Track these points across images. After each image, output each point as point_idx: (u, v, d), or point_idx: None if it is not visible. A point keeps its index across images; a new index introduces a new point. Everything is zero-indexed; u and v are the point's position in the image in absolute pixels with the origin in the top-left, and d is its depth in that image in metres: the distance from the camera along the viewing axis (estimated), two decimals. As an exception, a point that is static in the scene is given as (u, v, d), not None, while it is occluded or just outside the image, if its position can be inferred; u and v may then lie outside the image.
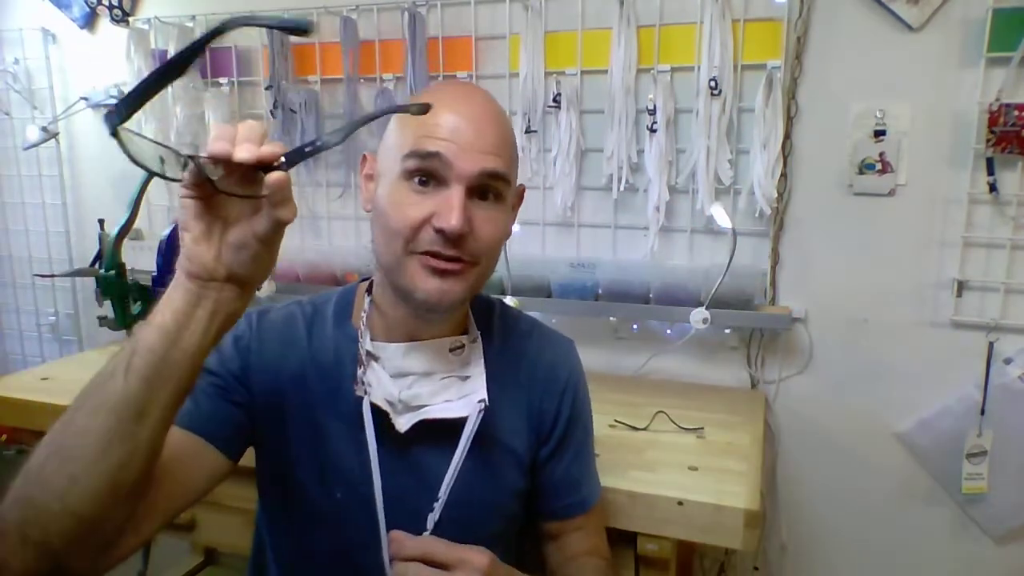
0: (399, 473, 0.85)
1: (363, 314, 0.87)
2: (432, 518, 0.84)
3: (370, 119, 0.70)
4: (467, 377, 0.88)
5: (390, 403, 0.83)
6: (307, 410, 0.86)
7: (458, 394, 0.86)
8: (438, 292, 0.78)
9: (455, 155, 0.76)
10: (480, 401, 0.85)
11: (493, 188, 0.80)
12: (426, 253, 0.78)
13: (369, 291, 0.89)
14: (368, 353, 0.84)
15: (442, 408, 0.85)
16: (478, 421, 0.84)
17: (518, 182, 0.87)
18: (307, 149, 0.61)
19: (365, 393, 0.82)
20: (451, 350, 0.87)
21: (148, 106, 1.99)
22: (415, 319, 0.85)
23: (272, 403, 0.85)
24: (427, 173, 0.77)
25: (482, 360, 0.89)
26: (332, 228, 1.91)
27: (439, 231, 0.76)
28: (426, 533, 0.83)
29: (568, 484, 0.96)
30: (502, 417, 0.90)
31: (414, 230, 0.77)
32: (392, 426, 0.83)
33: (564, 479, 0.96)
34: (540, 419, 0.94)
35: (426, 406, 0.84)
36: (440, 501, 0.84)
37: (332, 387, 0.86)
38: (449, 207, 0.76)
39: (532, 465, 0.95)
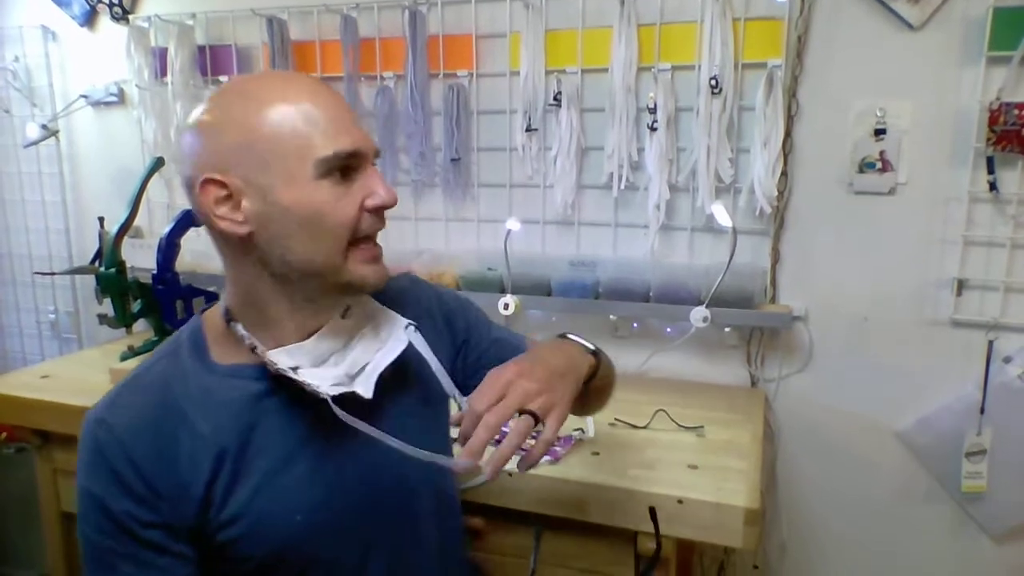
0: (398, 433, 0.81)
1: (249, 342, 0.80)
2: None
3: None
4: (377, 324, 0.87)
5: (339, 384, 0.80)
6: (269, 473, 0.80)
7: (383, 339, 0.86)
8: (377, 276, 0.81)
9: (362, 142, 0.78)
10: (408, 326, 0.86)
11: (375, 156, 0.82)
12: (363, 241, 0.79)
13: (228, 318, 0.82)
14: (291, 368, 0.79)
15: (383, 355, 0.84)
16: (422, 338, 0.86)
17: None
18: None
19: (328, 396, 0.77)
20: (342, 316, 0.85)
21: (148, 104, 2.00)
22: (315, 314, 0.82)
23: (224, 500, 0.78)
24: (345, 167, 0.77)
25: (373, 301, 0.89)
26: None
27: (376, 209, 0.79)
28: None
29: (502, 344, 1.01)
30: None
31: (355, 220, 0.78)
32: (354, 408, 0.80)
33: (497, 344, 1.00)
34: (440, 333, 0.97)
35: (367, 363, 0.84)
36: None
37: (251, 424, 0.80)
38: (378, 185, 0.79)
39: (464, 369, 0.99)
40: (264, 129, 0.75)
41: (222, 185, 0.75)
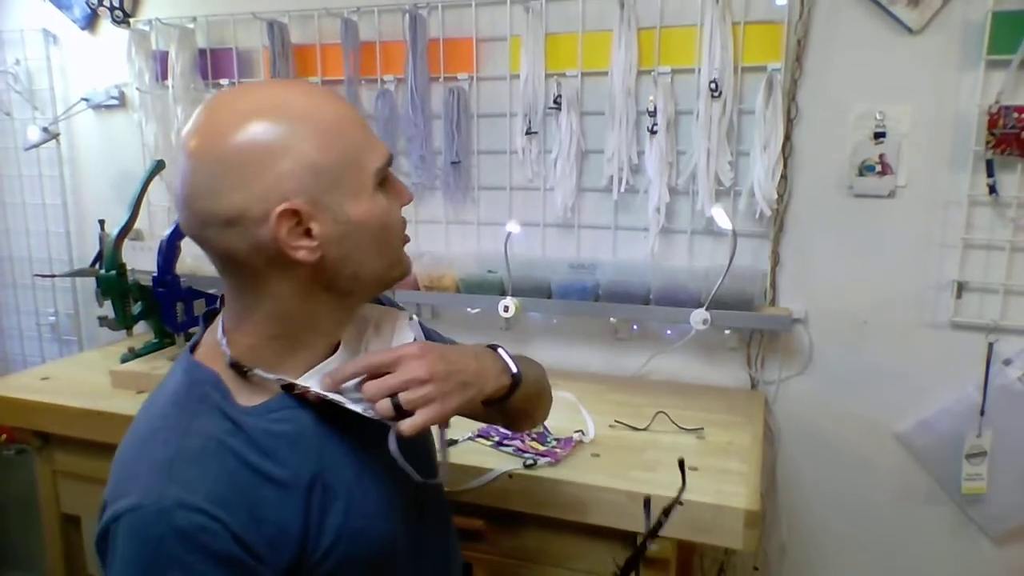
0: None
1: (279, 383, 0.75)
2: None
3: None
4: (378, 323, 0.87)
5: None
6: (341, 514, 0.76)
7: (386, 337, 0.86)
8: (410, 262, 0.84)
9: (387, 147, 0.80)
10: (412, 317, 0.88)
11: None
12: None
13: (240, 367, 0.76)
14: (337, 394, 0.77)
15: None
16: (421, 330, 0.88)
17: None
18: None
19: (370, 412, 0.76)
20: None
21: (149, 107, 2.00)
22: (345, 325, 0.82)
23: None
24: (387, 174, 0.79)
25: (366, 303, 0.88)
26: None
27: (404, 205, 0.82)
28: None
29: None
30: None
31: (403, 223, 0.82)
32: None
33: None
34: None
35: None
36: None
37: (310, 451, 0.76)
38: (403, 186, 0.81)
39: None
40: (322, 148, 0.71)
41: (293, 213, 0.69)
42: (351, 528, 0.76)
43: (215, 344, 0.77)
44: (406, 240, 0.83)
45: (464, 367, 0.80)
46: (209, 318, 0.83)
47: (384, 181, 0.77)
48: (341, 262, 0.74)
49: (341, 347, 0.81)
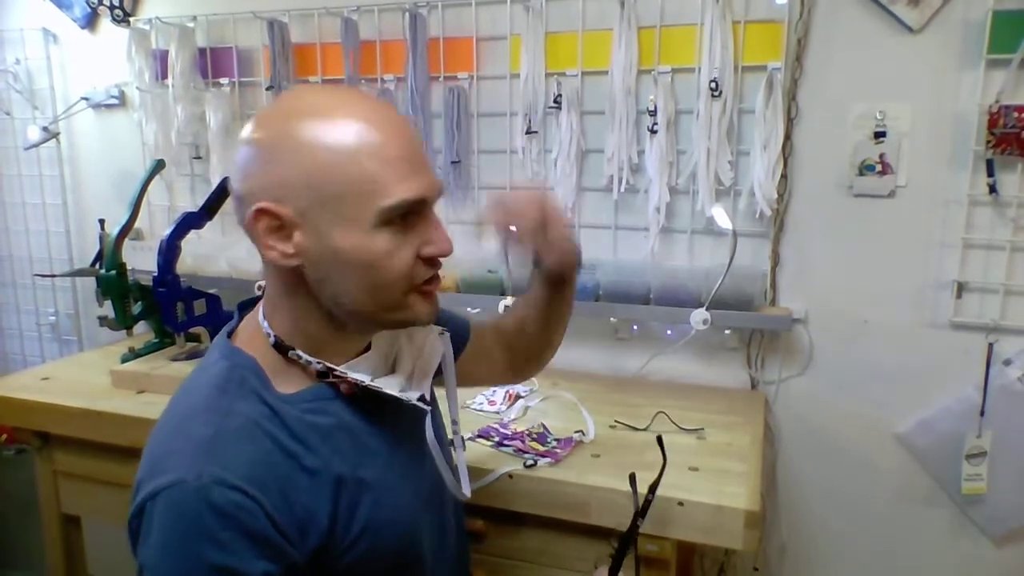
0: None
1: (318, 367, 0.77)
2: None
3: None
4: (409, 331, 0.89)
5: (404, 391, 0.83)
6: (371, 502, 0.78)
7: (419, 344, 0.89)
8: (434, 311, 0.79)
9: (429, 188, 0.74)
10: (442, 332, 0.89)
11: None
12: (422, 283, 0.77)
13: (283, 348, 0.78)
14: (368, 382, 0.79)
15: (428, 361, 0.88)
16: (450, 344, 0.91)
17: None
18: None
19: (408, 398, 0.81)
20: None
21: (149, 106, 2.01)
22: (363, 338, 0.83)
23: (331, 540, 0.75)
24: (408, 214, 0.73)
25: None
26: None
27: (432, 259, 0.75)
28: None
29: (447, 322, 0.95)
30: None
31: (410, 270, 0.74)
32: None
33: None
34: None
35: (413, 368, 0.88)
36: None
37: (344, 442, 0.78)
38: (438, 235, 0.76)
39: None
40: (328, 166, 0.70)
41: (274, 216, 0.71)
42: (379, 520, 0.78)
43: (256, 328, 0.80)
44: (423, 287, 0.77)
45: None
46: (245, 307, 0.86)
47: (404, 219, 0.73)
48: (320, 283, 0.74)
49: (372, 350, 0.83)
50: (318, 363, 0.77)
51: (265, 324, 0.78)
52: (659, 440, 1.07)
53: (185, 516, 0.66)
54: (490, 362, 1.09)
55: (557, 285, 1.02)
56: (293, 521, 0.70)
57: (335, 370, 0.77)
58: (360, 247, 0.72)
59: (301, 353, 0.77)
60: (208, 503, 0.65)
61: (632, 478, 1.03)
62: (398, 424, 0.83)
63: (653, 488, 1.02)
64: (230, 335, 0.82)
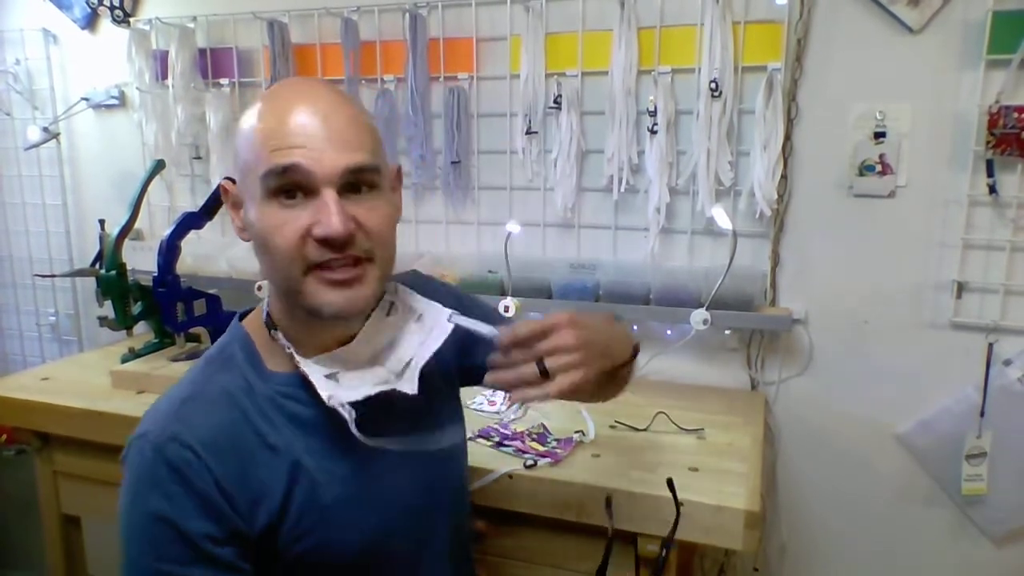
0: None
1: (288, 351, 0.79)
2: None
3: None
4: (420, 315, 0.86)
5: (384, 383, 0.80)
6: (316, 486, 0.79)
7: (428, 330, 0.85)
8: (346, 302, 0.75)
9: (314, 160, 0.72)
10: (450, 316, 0.84)
11: (365, 180, 0.76)
12: (320, 267, 0.74)
13: (270, 326, 0.82)
14: (328, 376, 0.78)
15: (425, 348, 0.83)
16: (465, 317, 0.84)
17: (389, 161, 0.81)
18: None
19: (341, 406, 0.76)
20: (387, 314, 0.85)
21: (149, 107, 2.01)
22: (340, 330, 0.81)
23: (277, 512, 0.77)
24: (291, 187, 0.72)
25: (414, 294, 0.88)
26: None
27: (323, 241, 0.72)
28: None
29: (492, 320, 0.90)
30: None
31: (299, 248, 0.73)
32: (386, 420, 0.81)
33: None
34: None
35: (411, 358, 0.83)
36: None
37: (319, 436, 0.80)
38: (326, 213, 0.72)
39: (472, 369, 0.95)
40: (241, 143, 0.76)
41: (227, 191, 0.81)
42: (330, 520, 0.78)
43: (262, 308, 0.85)
44: (322, 273, 0.74)
45: (604, 336, 0.82)
46: None
47: (291, 198, 0.73)
48: (256, 254, 0.78)
49: (357, 340, 0.81)
50: (288, 347, 0.80)
51: (266, 301, 0.83)
52: (670, 485, 1.05)
53: (143, 465, 0.73)
54: None
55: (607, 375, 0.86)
56: (246, 493, 0.74)
57: (295, 357, 0.79)
58: (256, 220, 0.75)
59: (280, 336, 0.80)
60: (163, 457, 0.72)
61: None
62: (388, 418, 0.81)
63: (666, 543, 1.03)
64: (247, 313, 0.88)
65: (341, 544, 0.79)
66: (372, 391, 0.78)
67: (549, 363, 0.74)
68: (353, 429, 0.75)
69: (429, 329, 0.84)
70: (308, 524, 0.77)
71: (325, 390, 0.76)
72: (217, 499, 0.72)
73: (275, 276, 0.77)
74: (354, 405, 0.76)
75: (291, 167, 0.72)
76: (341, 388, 0.77)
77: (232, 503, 0.73)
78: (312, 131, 0.72)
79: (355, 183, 0.75)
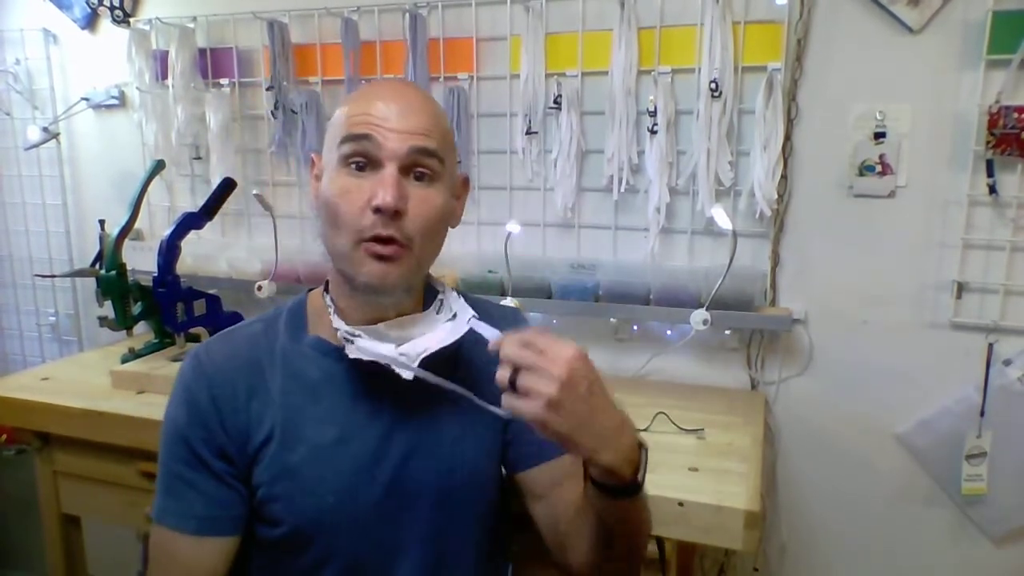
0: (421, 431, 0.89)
1: (329, 307, 0.88)
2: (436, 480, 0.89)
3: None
4: (454, 314, 0.90)
5: (390, 357, 0.81)
6: (298, 426, 0.86)
7: (450, 328, 0.88)
8: (380, 273, 0.81)
9: (385, 135, 0.80)
10: (470, 318, 0.87)
11: (425, 166, 0.82)
12: (370, 240, 0.80)
13: (327, 291, 0.91)
14: (349, 333, 0.84)
15: (440, 341, 0.85)
16: (487, 326, 0.82)
17: (459, 171, 0.91)
18: None
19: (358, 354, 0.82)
20: (437, 312, 0.91)
21: (149, 107, 2.00)
22: (373, 306, 0.85)
23: (263, 443, 0.86)
24: (361, 155, 0.81)
25: (462, 299, 0.94)
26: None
27: (376, 210, 0.79)
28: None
29: None
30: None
31: (358, 217, 0.80)
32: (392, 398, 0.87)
33: None
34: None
35: (427, 348, 0.84)
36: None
37: (316, 397, 0.88)
38: (384, 185, 0.79)
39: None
40: (332, 120, 0.86)
41: (314, 163, 0.89)
42: (300, 477, 0.84)
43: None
44: (372, 245, 0.79)
45: (600, 410, 0.70)
46: None
47: (361, 170, 0.81)
48: (320, 220, 0.85)
49: (395, 321, 0.86)
50: (330, 306, 0.87)
51: (329, 268, 0.89)
52: (659, 544, 1.06)
53: (179, 378, 0.88)
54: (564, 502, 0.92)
55: (605, 485, 0.76)
56: (239, 420, 0.85)
57: (338, 331, 0.84)
58: (329, 184, 0.83)
59: (331, 302, 0.88)
60: (183, 371, 0.88)
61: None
62: (402, 402, 0.87)
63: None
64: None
65: (304, 508, 0.84)
66: (374, 357, 0.82)
67: (519, 379, 0.68)
68: (396, 354, 0.82)
69: (451, 327, 0.88)
70: (278, 472, 0.84)
71: (345, 341, 0.84)
72: (211, 415, 0.84)
73: (334, 241, 0.82)
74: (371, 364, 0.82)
75: (363, 136, 0.80)
76: (354, 347, 0.83)
77: (223, 423, 0.84)
78: (389, 114, 0.81)
79: (419, 168, 0.82)
